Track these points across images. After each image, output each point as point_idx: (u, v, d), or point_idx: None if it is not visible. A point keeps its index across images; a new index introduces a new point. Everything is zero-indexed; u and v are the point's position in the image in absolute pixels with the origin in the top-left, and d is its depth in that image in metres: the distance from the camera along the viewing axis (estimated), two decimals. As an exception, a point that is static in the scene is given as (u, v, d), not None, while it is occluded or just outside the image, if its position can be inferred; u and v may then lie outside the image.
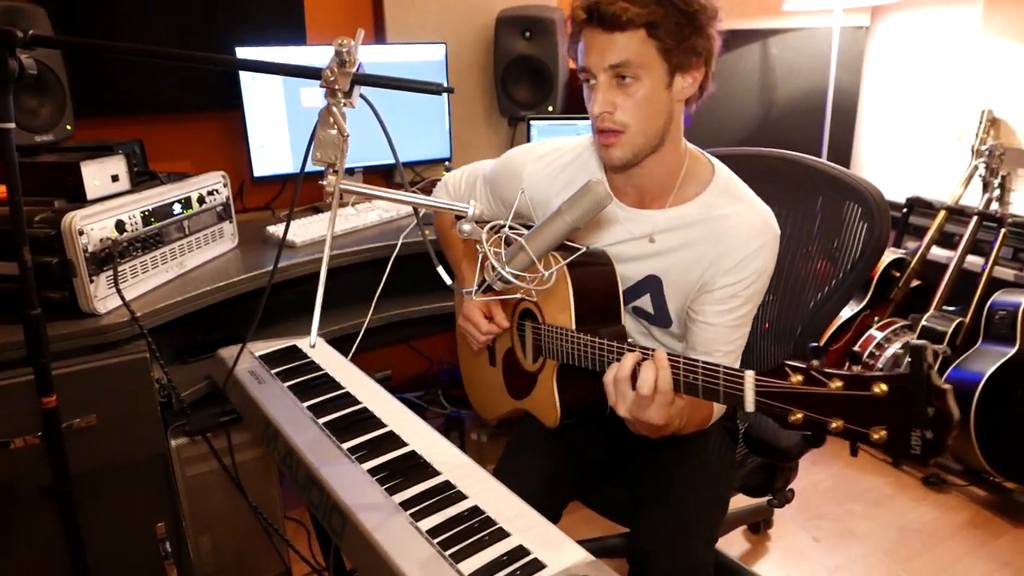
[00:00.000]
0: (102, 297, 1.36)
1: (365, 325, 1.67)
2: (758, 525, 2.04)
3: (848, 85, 2.80)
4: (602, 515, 1.40)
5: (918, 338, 2.24)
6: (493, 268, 0.98)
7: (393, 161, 2.25)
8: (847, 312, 2.44)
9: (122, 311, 1.37)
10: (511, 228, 0.98)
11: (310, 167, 0.94)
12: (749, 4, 2.63)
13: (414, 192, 1.04)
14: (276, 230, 1.87)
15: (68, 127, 1.73)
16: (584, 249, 1.07)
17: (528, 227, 1.00)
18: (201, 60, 0.94)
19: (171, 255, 1.56)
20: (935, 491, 2.18)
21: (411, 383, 2.72)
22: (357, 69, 0.92)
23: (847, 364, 0.83)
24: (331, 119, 0.89)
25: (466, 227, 0.96)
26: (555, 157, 1.30)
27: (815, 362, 0.78)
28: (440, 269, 1.03)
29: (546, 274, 0.98)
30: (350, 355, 1.48)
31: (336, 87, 0.89)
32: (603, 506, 1.39)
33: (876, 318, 2.44)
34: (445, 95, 2.25)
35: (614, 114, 1.08)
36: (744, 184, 1.21)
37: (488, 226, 0.98)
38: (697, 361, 0.93)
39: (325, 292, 2.12)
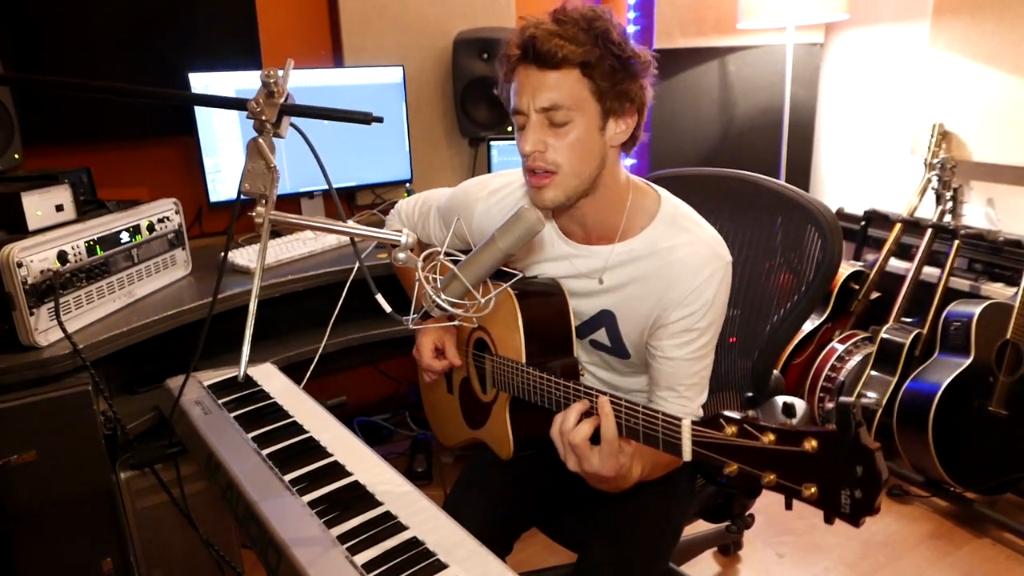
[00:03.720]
0: (43, 329, 1.33)
1: (319, 351, 1.64)
2: (728, 547, 2.03)
3: (805, 101, 2.85)
4: (559, 543, 1.38)
5: (878, 350, 2.27)
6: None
7: (354, 184, 2.26)
8: (808, 326, 2.46)
9: (65, 343, 1.34)
10: (446, 255, 0.97)
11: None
12: (706, 22, 2.67)
13: (351, 222, 1.03)
14: (232, 255, 1.85)
15: (16, 156, 1.70)
16: (520, 275, 1.07)
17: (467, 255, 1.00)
18: (118, 91, 0.93)
19: (119, 284, 1.53)
20: (898, 502, 2.20)
21: (378, 405, 2.69)
22: (286, 99, 0.92)
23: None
24: (258, 151, 0.88)
25: (401, 256, 0.95)
26: (507, 192, 1.29)
27: (751, 413, 0.77)
28: (379, 297, 1.02)
29: (482, 301, 0.97)
30: (303, 382, 1.46)
31: (263, 118, 0.89)
32: (560, 535, 1.38)
33: (837, 331, 2.47)
34: (404, 118, 2.26)
35: (546, 153, 1.06)
36: (693, 212, 1.19)
37: (424, 254, 0.98)
38: (638, 406, 0.91)
39: (283, 317, 2.08)
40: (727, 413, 0.81)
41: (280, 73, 0.91)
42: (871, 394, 2.22)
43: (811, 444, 0.72)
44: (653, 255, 1.14)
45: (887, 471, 0.69)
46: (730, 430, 0.80)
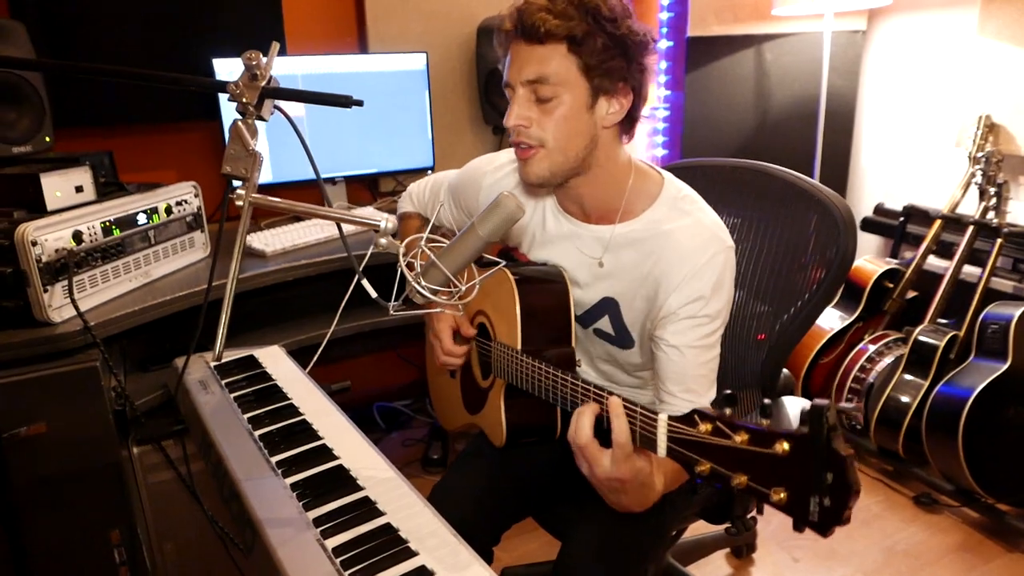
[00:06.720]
0: (57, 306, 1.37)
1: (328, 336, 1.66)
2: (741, 549, 1.97)
3: (845, 90, 2.74)
4: (551, 534, 1.37)
5: (911, 352, 2.17)
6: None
7: (376, 170, 2.27)
8: (838, 324, 2.38)
9: (78, 320, 1.38)
10: (428, 241, 0.96)
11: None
12: (741, 8, 2.59)
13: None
14: (250, 239, 1.88)
15: (47, 138, 1.75)
16: (501, 264, 1.05)
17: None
18: (90, 71, 0.94)
19: (135, 265, 1.57)
20: (925, 511, 2.11)
21: (399, 391, 2.71)
22: (268, 83, 0.92)
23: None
24: (238, 134, 0.89)
25: (383, 241, 0.95)
26: (513, 168, 1.28)
27: (728, 411, 0.74)
28: (365, 282, 1.02)
29: (463, 288, 0.96)
30: (309, 367, 1.48)
31: (243, 100, 0.89)
32: (552, 525, 1.36)
33: (869, 331, 2.37)
34: (428, 105, 2.25)
35: (530, 129, 1.06)
36: (696, 196, 1.16)
37: (406, 240, 0.97)
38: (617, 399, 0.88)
39: (298, 301, 2.09)
40: (702, 410, 0.78)
41: (263, 57, 0.91)
42: (903, 398, 2.13)
43: (782, 447, 0.69)
44: (653, 238, 1.12)
45: (859, 481, 0.65)
46: (704, 427, 0.77)
